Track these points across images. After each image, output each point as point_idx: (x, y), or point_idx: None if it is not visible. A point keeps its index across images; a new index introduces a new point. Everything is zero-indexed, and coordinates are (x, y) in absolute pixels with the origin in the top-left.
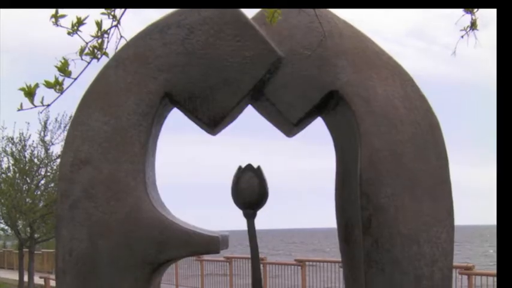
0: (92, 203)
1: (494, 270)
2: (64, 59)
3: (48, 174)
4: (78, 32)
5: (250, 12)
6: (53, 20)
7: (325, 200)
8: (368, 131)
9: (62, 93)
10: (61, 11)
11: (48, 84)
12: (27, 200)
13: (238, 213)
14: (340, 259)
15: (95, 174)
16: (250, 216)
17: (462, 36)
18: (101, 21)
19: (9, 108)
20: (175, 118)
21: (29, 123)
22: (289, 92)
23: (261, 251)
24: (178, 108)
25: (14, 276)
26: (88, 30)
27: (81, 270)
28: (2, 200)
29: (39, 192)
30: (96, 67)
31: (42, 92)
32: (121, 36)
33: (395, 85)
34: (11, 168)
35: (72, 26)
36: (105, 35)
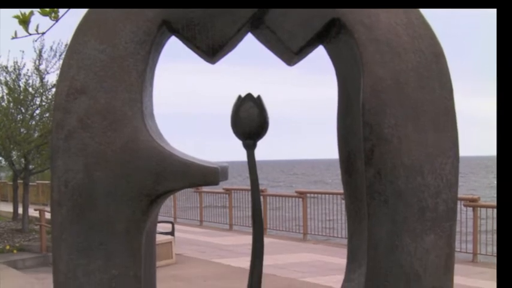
0: (88, 133)
1: None
2: None
3: (43, 103)
4: None
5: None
6: None
7: (327, 130)
8: (371, 60)
9: (57, 21)
10: None
11: (43, 12)
12: (22, 130)
13: (238, 143)
14: (342, 191)
15: (91, 104)
16: (250, 146)
17: None
18: None
19: (4, 36)
20: (174, 47)
21: (23, 52)
22: (289, 20)
23: (261, 183)
24: (176, 36)
25: (8, 208)
26: None
27: (77, 202)
28: None
29: (34, 122)
30: None
31: (37, 20)
32: None
33: (398, 12)
34: (5, 97)
35: None
36: None
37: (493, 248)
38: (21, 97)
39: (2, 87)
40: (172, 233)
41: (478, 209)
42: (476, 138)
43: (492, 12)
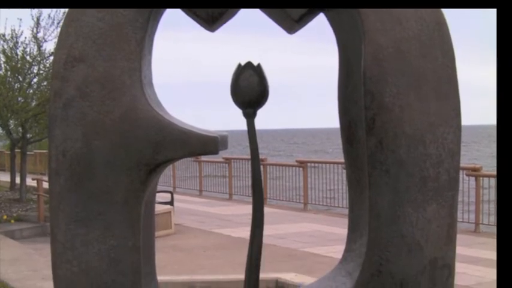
0: (87, 102)
1: None
2: None
3: (41, 72)
4: None
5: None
6: None
7: (328, 99)
8: (372, 28)
9: None
10: None
11: None
12: (19, 99)
13: (238, 112)
14: (343, 160)
15: (89, 72)
16: (250, 115)
17: None
18: None
19: None
20: (173, 15)
21: (21, 20)
22: None
23: (261, 152)
24: None
25: (5, 177)
26: None
27: (75, 171)
28: None
29: (31, 91)
30: None
31: None
32: None
33: None
34: (3, 66)
35: None
36: None
37: (495, 218)
38: (19, 65)
39: None
40: (171, 203)
41: (481, 178)
42: (479, 106)
43: None
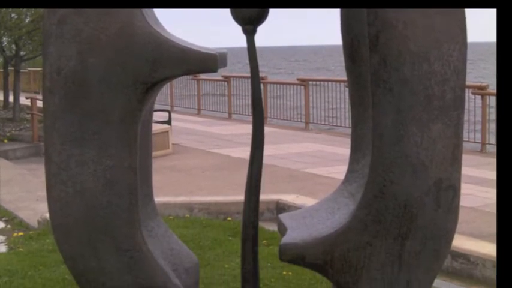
0: (82, 18)
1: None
2: None
3: None
4: None
5: None
6: None
7: (330, 15)
8: None
9: None
10: None
11: None
12: (13, 15)
13: (237, 29)
14: (345, 78)
15: None
16: (249, 32)
17: None
18: None
19: None
20: None
21: None
22: None
23: (262, 70)
24: None
25: None
26: None
27: (70, 89)
28: None
29: None
30: None
31: None
32: None
33: None
34: None
35: None
36: None
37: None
38: None
39: None
40: (169, 122)
41: (487, 97)
42: (486, 22)
43: None
